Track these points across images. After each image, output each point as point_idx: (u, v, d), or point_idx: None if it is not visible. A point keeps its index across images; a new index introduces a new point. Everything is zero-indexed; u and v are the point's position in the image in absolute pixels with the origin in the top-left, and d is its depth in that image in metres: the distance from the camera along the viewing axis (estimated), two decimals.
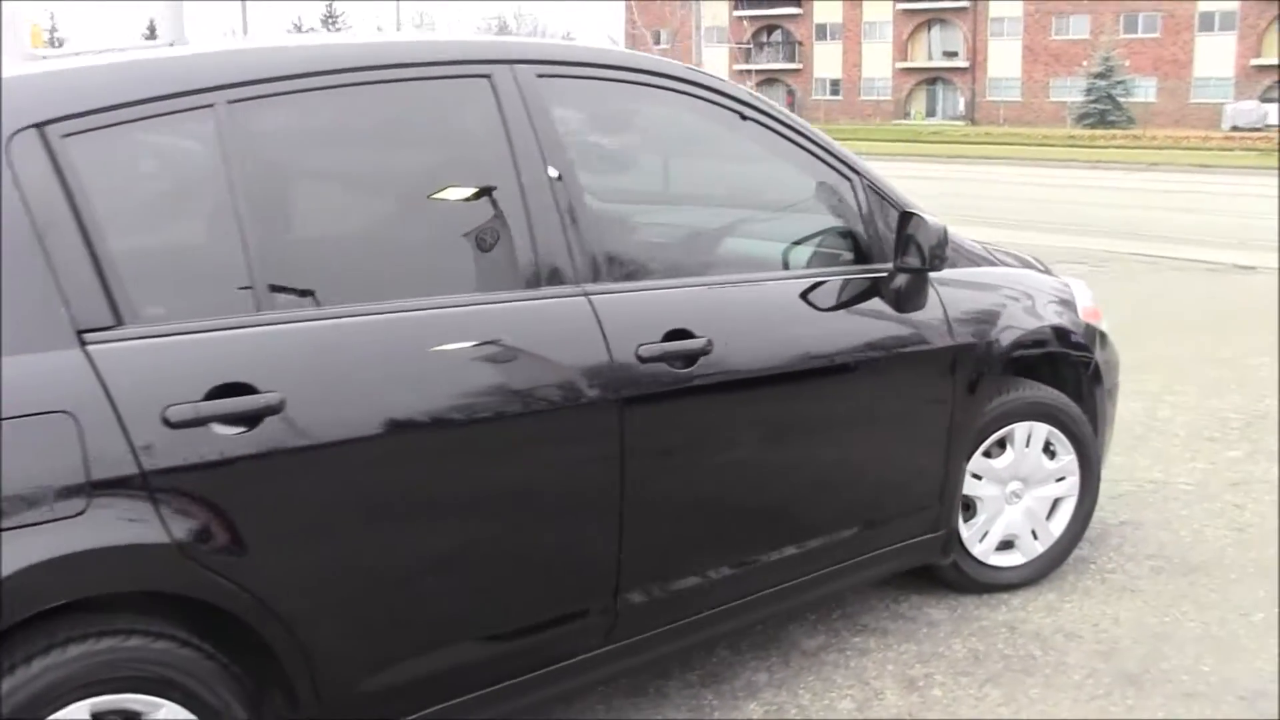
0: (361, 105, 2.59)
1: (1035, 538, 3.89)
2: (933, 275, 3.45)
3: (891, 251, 3.30)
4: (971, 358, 3.53)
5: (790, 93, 68.23)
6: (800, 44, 68.64)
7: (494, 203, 2.68)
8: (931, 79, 65.51)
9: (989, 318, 3.62)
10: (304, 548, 2.28)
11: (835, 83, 67.73)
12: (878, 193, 3.40)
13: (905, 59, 65.22)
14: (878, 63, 65.70)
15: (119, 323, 2.12)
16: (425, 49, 2.77)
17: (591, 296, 2.69)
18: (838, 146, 3.38)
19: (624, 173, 3.12)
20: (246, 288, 2.26)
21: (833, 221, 3.38)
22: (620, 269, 2.81)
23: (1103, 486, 4.89)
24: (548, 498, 2.63)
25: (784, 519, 3.18)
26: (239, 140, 2.30)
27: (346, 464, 2.30)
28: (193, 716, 2.15)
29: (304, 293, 2.38)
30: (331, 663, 2.33)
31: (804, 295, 3.17)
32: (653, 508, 2.81)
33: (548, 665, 2.71)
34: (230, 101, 2.31)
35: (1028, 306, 3.77)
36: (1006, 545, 3.86)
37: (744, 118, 3.16)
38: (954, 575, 3.79)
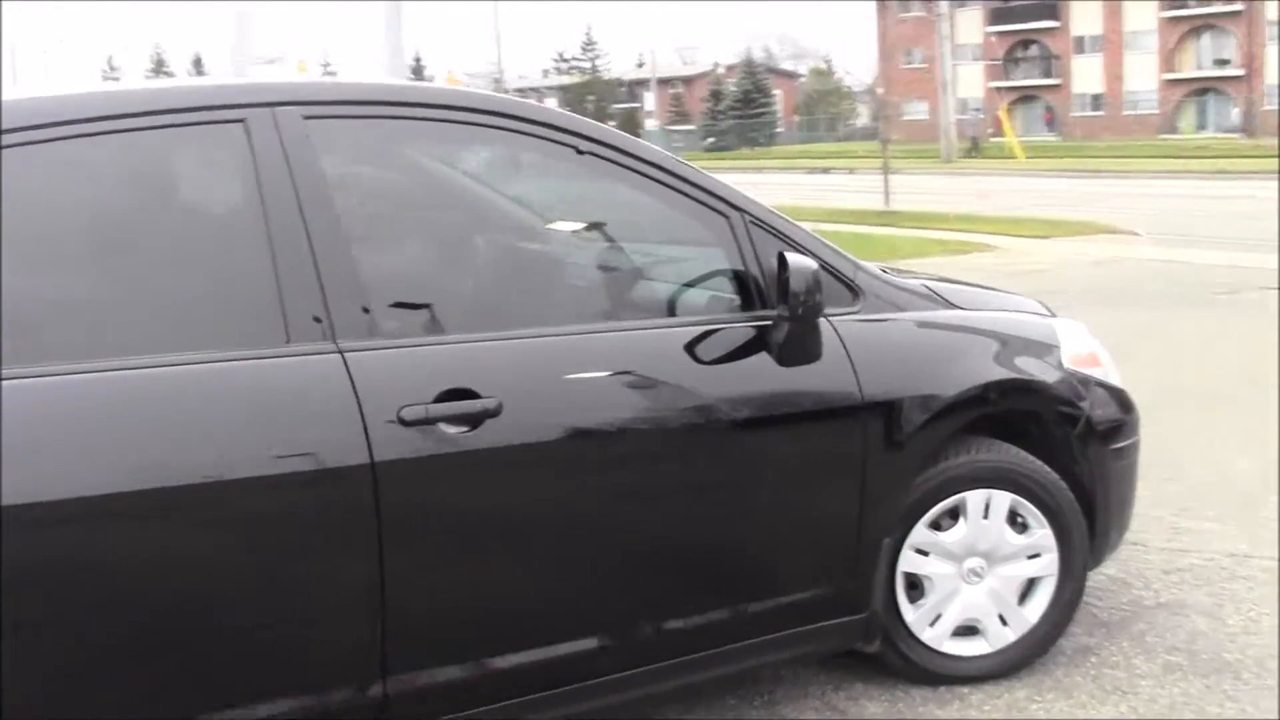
0: (97, 156, 2.41)
1: (1005, 624, 3.35)
2: (842, 323, 3.02)
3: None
4: (892, 416, 3.06)
5: (1049, 109, 65.49)
6: (1057, 58, 65.65)
7: (237, 255, 2.45)
8: (1201, 89, 61.46)
9: (919, 370, 3.13)
10: None
11: (1096, 97, 64.39)
12: (767, 230, 2.99)
13: (1171, 70, 61.44)
14: (1141, 74, 62.07)
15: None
16: (170, 95, 2.57)
17: (347, 354, 2.43)
18: (712, 180, 2.98)
19: (416, 218, 2.81)
20: None
21: (702, 264, 3.00)
22: (394, 325, 2.53)
23: (1163, 558, 4.29)
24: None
25: (609, 598, 2.80)
26: None
27: None
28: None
29: None
30: None
31: (643, 348, 2.80)
32: (423, 587, 2.50)
33: None
34: None
35: (978, 355, 3.26)
36: (969, 631, 3.34)
37: (580, 151, 2.82)
38: (900, 664, 3.30)
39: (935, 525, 3.25)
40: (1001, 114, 49.62)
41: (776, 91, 79.88)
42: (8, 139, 2.30)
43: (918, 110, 64.22)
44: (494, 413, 2.53)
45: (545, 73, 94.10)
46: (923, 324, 3.23)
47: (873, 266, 3.32)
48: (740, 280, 2.97)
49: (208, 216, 2.54)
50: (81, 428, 2.21)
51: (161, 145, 2.47)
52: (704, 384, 2.83)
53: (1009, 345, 3.35)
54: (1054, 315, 3.72)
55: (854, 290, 3.12)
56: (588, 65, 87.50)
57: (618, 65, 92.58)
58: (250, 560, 2.36)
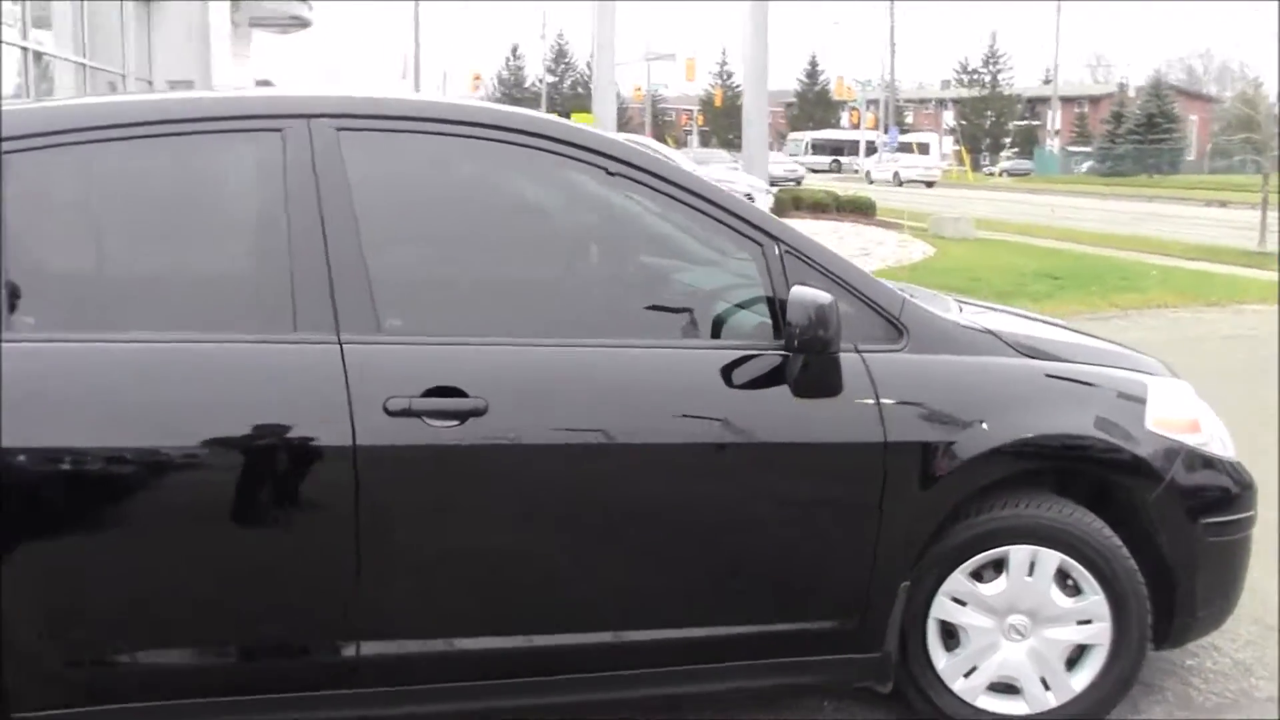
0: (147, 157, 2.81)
1: (1047, 687, 3.20)
2: (876, 358, 3.01)
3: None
4: (919, 459, 3.01)
5: None
6: None
7: (264, 252, 2.78)
8: None
9: (956, 414, 3.05)
10: None
11: None
12: (802, 260, 3.02)
13: None
14: None
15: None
16: (242, 104, 2.93)
17: (345, 346, 2.70)
18: (746, 206, 3.05)
19: (430, 226, 3.01)
20: None
21: (726, 288, 3.07)
22: (397, 324, 2.78)
23: None
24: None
25: (601, 599, 2.93)
26: None
27: None
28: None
29: None
30: None
31: (651, 365, 2.91)
32: (393, 560, 2.75)
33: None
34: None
35: (1029, 405, 3.12)
36: (1008, 689, 3.22)
37: (610, 172, 2.96)
38: (926, 710, 3.23)
39: (977, 575, 3.16)
40: None
41: (1192, 117, 74.84)
42: (81, 137, 2.74)
43: None
44: (480, 412, 2.73)
45: (945, 84, 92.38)
46: (973, 368, 3.13)
47: (934, 305, 3.27)
48: (770, 307, 3.01)
49: (242, 214, 2.87)
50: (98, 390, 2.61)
51: (212, 148, 2.84)
52: (712, 406, 2.90)
53: (1073, 398, 3.19)
54: (1169, 375, 3.49)
55: (898, 327, 3.08)
56: (988, 78, 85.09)
57: (1023, 78, 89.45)
58: (239, 515, 2.68)
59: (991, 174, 69.78)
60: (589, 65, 42.17)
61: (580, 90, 79.58)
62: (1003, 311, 3.93)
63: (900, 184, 49.89)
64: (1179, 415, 3.30)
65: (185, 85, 21.48)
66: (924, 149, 62.04)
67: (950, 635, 3.20)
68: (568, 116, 25.92)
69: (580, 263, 3.25)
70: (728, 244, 3.06)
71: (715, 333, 3.11)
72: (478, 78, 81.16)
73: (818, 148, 68.56)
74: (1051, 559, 3.14)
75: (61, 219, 2.84)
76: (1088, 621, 3.18)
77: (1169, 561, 3.24)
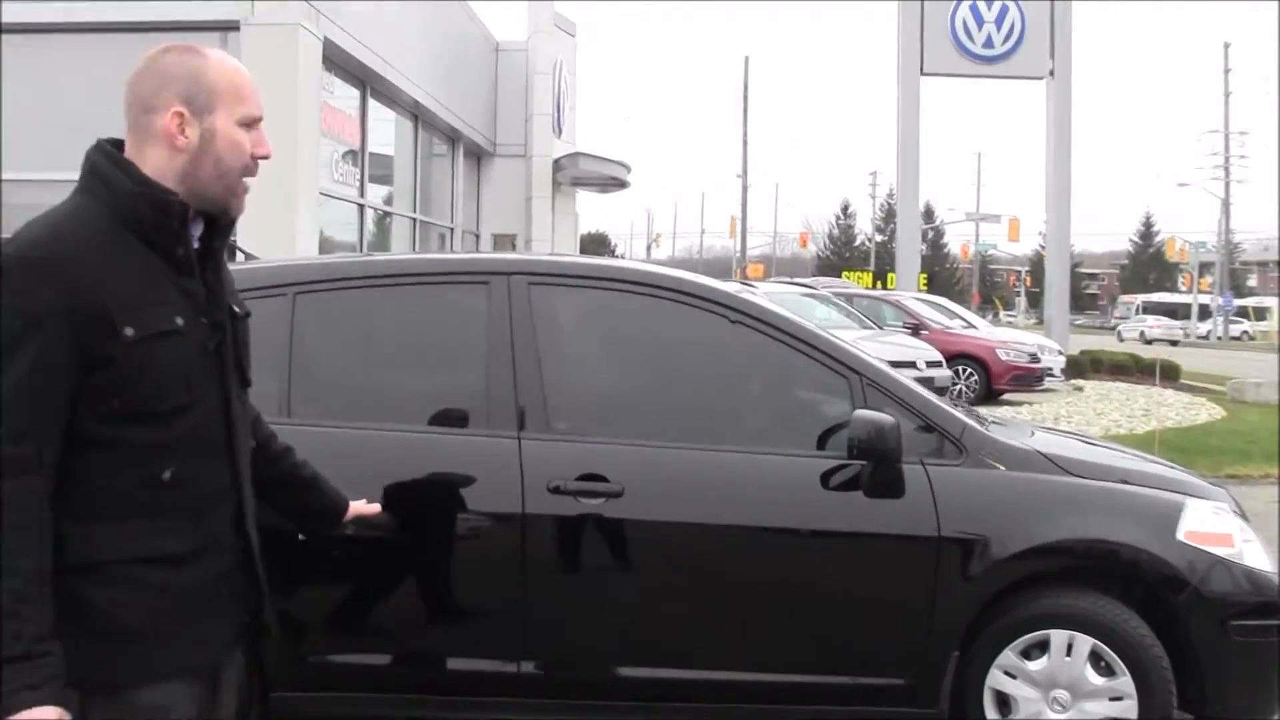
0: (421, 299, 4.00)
1: None
2: (937, 470, 3.80)
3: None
4: (966, 553, 3.76)
5: None
6: None
7: (472, 370, 3.87)
8: None
9: (1000, 519, 3.79)
10: None
11: None
12: (880, 390, 3.86)
13: None
14: None
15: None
16: (462, 264, 4.07)
17: (523, 441, 3.74)
18: (840, 349, 3.95)
19: (593, 356, 4.02)
20: None
21: (818, 411, 3.92)
22: (563, 426, 3.79)
23: None
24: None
25: (706, 643, 3.80)
26: None
27: None
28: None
29: None
30: None
31: (752, 468, 3.81)
32: (548, 601, 3.73)
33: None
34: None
35: (1064, 514, 3.83)
36: None
37: (732, 321, 3.92)
38: None
39: (1025, 654, 3.85)
40: None
41: None
42: (351, 284, 3.92)
43: None
44: (618, 494, 3.70)
45: None
46: (1020, 483, 3.87)
47: (1005, 432, 4.03)
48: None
49: (461, 341, 3.99)
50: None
51: (445, 294, 4.01)
52: (806, 502, 3.78)
53: (1103, 510, 3.87)
54: (1221, 502, 4.09)
55: (959, 447, 3.87)
56: None
57: None
58: (436, 558, 3.73)
59: None
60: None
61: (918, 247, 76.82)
62: (1075, 439, 4.62)
63: (1148, 342, 50.62)
64: (1211, 530, 3.91)
65: (509, 239, 23.92)
66: (1260, 315, 60.95)
67: (1004, 703, 3.89)
68: (885, 276, 26.18)
69: (705, 385, 4.18)
70: (825, 377, 3.93)
71: (820, 445, 3.97)
72: (805, 236, 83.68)
73: (1149, 310, 66.60)
74: (1085, 643, 3.80)
75: (337, 341, 4.01)
76: (1119, 699, 3.81)
77: (1198, 654, 3.83)
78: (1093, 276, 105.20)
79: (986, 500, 3.83)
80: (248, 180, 2.24)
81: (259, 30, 11.76)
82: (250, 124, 2.21)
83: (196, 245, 2.20)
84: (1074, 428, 13.41)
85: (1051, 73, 24.79)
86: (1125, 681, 3.80)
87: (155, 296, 2.10)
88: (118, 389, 2.05)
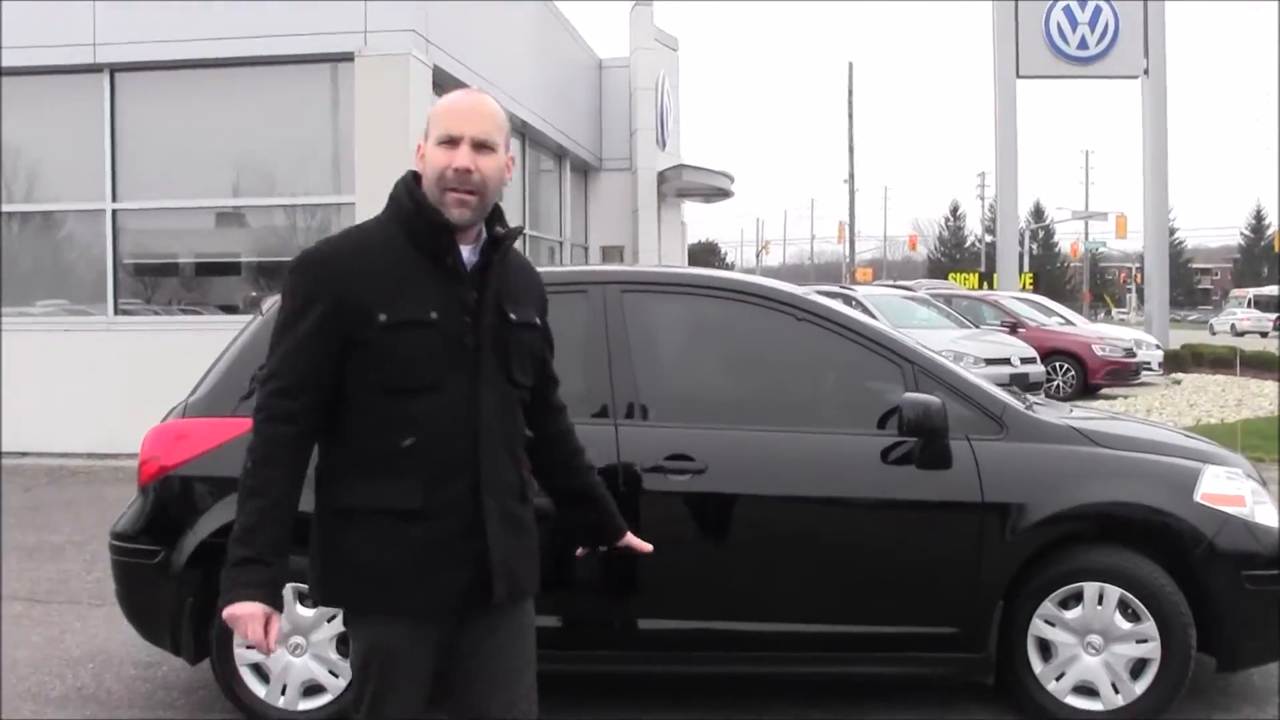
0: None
1: (1116, 691, 4.38)
2: (981, 444, 4.39)
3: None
4: (1006, 516, 4.34)
5: None
6: None
7: (578, 367, 4.54)
8: None
9: (1035, 486, 4.38)
10: None
11: None
12: (931, 376, 4.46)
13: None
14: None
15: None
16: (564, 275, 4.76)
17: (619, 428, 4.41)
18: (894, 340, 4.56)
19: (679, 351, 4.67)
20: None
21: (876, 396, 4.53)
22: (654, 414, 4.46)
23: None
24: None
25: (781, 599, 4.42)
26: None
27: None
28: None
29: None
30: None
31: (818, 446, 4.43)
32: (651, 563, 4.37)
33: None
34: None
35: (1092, 480, 4.38)
36: (1089, 692, 4.42)
37: (798, 319, 4.55)
38: (1029, 703, 4.48)
39: (1063, 604, 4.41)
40: None
41: None
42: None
43: None
44: (702, 470, 4.35)
45: None
46: (1053, 454, 4.44)
47: (1043, 410, 4.60)
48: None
49: (572, 343, 4.62)
50: None
51: (562, 301, 4.63)
52: (867, 474, 4.40)
53: (1127, 476, 4.42)
54: (1236, 468, 4.60)
55: (1000, 423, 4.45)
56: None
57: None
58: None
59: None
60: (1022, 231, 43.64)
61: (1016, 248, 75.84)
62: (1107, 418, 5.15)
63: (1239, 335, 51.89)
64: (1225, 492, 4.43)
65: (617, 251, 24.75)
66: None
67: (1045, 649, 4.45)
68: (992, 277, 26.60)
69: (775, 375, 4.81)
70: (881, 365, 4.54)
71: (880, 425, 4.57)
72: (914, 239, 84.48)
73: (1260, 304, 65.08)
74: (1114, 592, 4.35)
75: None
76: (1145, 641, 4.35)
77: (1216, 602, 4.35)
78: (1205, 272, 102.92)
79: (1024, 470, 4.41)
80: (464, 195, 2.48)
81: (372, 61, 12.35)
82: (448, 142, 2.49)
83: (478, 257, 2.55)
84: (1164, 418, 13.70)
85: (1146, 71, 24.86)
86: (1150, 626, 4.34)
87: (415, 293, 2.47)
88: (373, 365, 2.45)
